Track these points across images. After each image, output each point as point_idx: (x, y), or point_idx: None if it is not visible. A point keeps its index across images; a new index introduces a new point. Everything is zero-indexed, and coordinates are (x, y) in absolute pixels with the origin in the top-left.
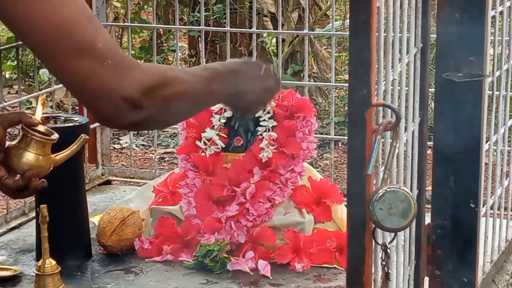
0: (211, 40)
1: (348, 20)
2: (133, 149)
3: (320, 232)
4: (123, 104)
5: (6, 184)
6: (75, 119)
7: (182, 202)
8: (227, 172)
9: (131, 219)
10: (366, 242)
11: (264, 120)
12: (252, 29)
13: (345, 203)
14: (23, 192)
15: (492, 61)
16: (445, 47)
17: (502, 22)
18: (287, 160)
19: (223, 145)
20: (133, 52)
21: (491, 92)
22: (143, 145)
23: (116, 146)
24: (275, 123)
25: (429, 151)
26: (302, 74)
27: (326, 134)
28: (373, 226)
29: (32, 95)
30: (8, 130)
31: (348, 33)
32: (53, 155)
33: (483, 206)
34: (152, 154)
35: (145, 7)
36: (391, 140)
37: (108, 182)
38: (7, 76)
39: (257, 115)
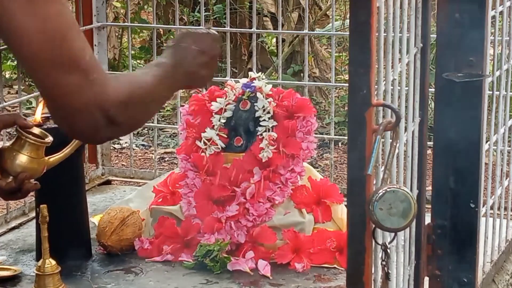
0: None
1: (348, 20)
2: (133, 149)
3: (320, 232)
4: (102, 120)
5: None
6: None
7: (182, 202)
8: (227, 172)
9: (131, 219)
10: (366, 242)
11: (264, 120)
12: (252, 29)
13: (345, 203)
14: (16, 194)
15: (492, 61)
16: (445, 47)
17: (502, 22)
18: (287, 160)
19: (223, 145)
20: (133, 52)
21: (491, 92)
22: (143, 145)
23: (116, 146)
24: (275, 123)
25: (429, 151)
26: (302, 74)
27: (326, 134)
28: (373, 226)
29: (32, 95)
30: (8, 130)
31: (348, 33)
32: (46, 158)
33: (483, 206)
34: (152, 154)
35: (145, 7)
36: (391, 140)
37: (108, 182)
38: (7, 76)
39: (257, 115)
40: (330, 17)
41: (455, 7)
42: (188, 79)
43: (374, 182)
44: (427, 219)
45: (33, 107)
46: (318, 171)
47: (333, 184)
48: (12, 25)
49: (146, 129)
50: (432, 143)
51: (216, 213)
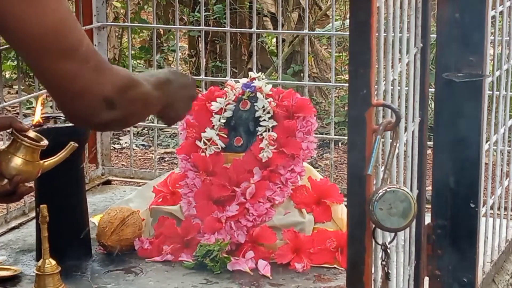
0: (211, 40)
1: (348, 20)
2: (133, 149)
3: (320, 232)
4: (100, 104)
5: None
6: None
7: (182, 202)
8: (227, 172)
9: (131, 219)
10: (366, 242)
11: (264, 120)
12: (252, 29)
13: (345, 203)
14: (11, 197)
15: (492, 61)
16: (445, 47)
17: (502, 22)
18: (287, 160)
19: (223, 145)
20: (133, 52)
21: (491, 92)
22: (143, 145)
23: (116, 146)
24: (275, 123)
25: (429, 151)
26: (302, 74)
27: (326, 134)
28: (373, 226)
29: (32, 95)
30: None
31: (348, 33)
32: (41, 161)
33: (483, 206)
34: (152, 154)
35: (145, 7)
36: (391, 140)
37: (108, 182)
38: (7, 76)
39: (257, 115)
40: (330, 17)
41: (455, 7)
42: (170, 101)
43: (374, 182)
44: (427, 219)
45: (33, 107)
46: (318, 171)
47: (333, 184)
48: (11, 17)
49: (146, 129)
50: (432, 143)
51: (216, 213)
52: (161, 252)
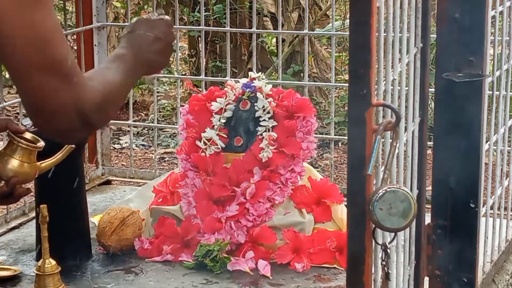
0: (211, 40)
1: (348, 20)
2: (133, 149)
3: (320, 232)
4: (78, 121)
5: None
6: None
7: (182, 202)
8: (227, 172)
9: (131, 219)
10: (366, 242)
11: (264, 120)
12: (252, 29)
13: (345, 203)
14: (8, 198)
15: (492, 61)
16: (445, 47)
17: (502, 22)
18: (287, 160)
19: (223, 145)
20: None
21: (491, 92)
22: (143, 145)
23: (116, 146)
24: (275, 123)
25: (429, 151)
26: (302, 74)
27: (326, 134)
28: (373, 226)
29: None
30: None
31: (348, 33)
32: (38, 163)
33: (483, 206)
34: (152, 154)
35: (145, 7)
36: (391, 140)
37: (108, 182)
38: (7, 76)
39: (257, 115)
40: (330, 17)
41: (455, 7)
42: (146, 67)
43: (374, 182)
44: (427, 219)
45: None
46: (318, 171)
47: (333, 184)
48: (3, 30)
49: (146, 129)
50: (432, 143)
51: (216, 213)
52: (161, 252)
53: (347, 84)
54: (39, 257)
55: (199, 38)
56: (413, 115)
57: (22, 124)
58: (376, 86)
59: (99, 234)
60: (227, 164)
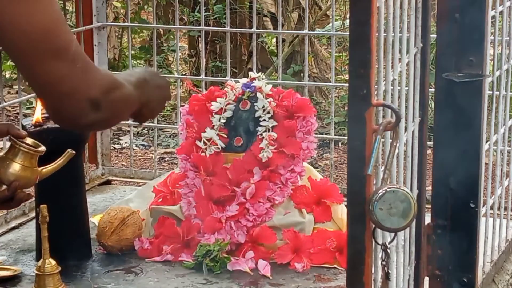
0: (211, 40)
1: (348, 20)
2: (133, 149)
3: (320, 232)
4: (87, 105)
5: None
6: None
7: (182, 202)
8: (227, 172)
9: (131, 219)
10: (366, 242)
11: (264, 120)
12: (252, 29)
13: (345, 203)
14: (9, 203)
15: (492, 61)
16: (445, 47)
17: (502, 22)
18: (287, 160)
19: (223, 145)
20: (133, 52)
21: (491, 92)
22: (143, 145)
23: (116, 146)
24: (275, 123)
25: (429, 151)
26: (302, 74)
27: (326, 134)
28: (373, 226)
29: (32, 95)
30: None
31: (348, 33)
32: (39, 168)
33: (483, 206)
34: (152, 154)
35: (145, 7)
36: (391, 140)
37: (108, 182)
38: (7, 76)
39: (257, 115)
40: (330, 17)
41: (455, 7)
42: (147, 102)
43: (374, 182)
44: (427, 219)
45: (33, 107)
46: (318, 171)
47: (333, 184)
48: (3, 16)
49: (146, 129)
50: (432, 143)
51: (216, 213)
52: (161, 252)
53: (347, 84)
54: (39, 257)
55: (199, 38)
56: (413, 115)
57: (22, 124)
58: (376, 86)
59: (99, 234)
60: (227, 164)
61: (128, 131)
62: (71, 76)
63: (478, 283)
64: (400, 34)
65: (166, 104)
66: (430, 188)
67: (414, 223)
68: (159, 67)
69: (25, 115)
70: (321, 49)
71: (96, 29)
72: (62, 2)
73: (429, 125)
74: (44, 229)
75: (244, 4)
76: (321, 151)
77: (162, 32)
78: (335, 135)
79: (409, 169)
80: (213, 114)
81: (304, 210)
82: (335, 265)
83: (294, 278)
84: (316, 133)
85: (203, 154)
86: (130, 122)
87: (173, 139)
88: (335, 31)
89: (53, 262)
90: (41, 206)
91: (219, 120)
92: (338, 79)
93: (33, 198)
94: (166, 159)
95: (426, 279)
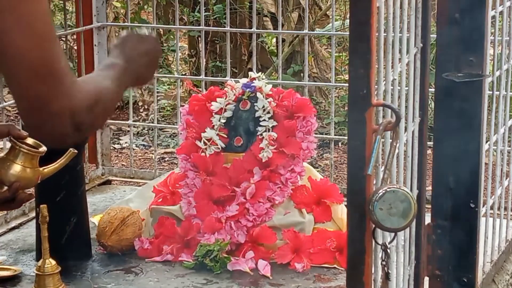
0: (211, 40)
1: (348, 20)
2: (133, 149)
3: (320, 232)
4: (70, 124)
5: None
6: None
7: (182, 202)
8: (227, 172)
9: (131, 219)
10: (366, 242)
11: (264, 120)
12: (252, 29)
13: (345, 203)
14: (10, 204)
15: (492, 61)
16: (445, 47)
17: (502, 22)
18: (287, 160)
19: (223, 145)
20: None
21: (491, 92)
22: (143, 145)
23: (116, 146)
24: (275, 123)
25: (429, 151)
26: (302, 74)
27: (326, 134)
28: (373, 226)
29: None
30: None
31: (348, 33)
32: (40, 168)
33: (483, 206)
34: (152, 154)
35: (145, 7)
36: (391, 140)
37: (108, 182)
38: None
39: (257, 115)
40: (330, 17)
41: (455, 7)
42: (135, 78)
43: (374, 182)
44: (427, 219)
45: None
46: (318, 171)
47: (333, 184)
48: None
49: (146, 129)
50: (432, 143)
51: (216, 213)
52: (161, 252)
53: (347, 84)
54: (39, 257)
55: (199, 38)
56: (413, 115)
57: (22, 124)
58: (376, 86)
59: (99, 234)
60: (227, 164)
61: (128, 131)
62: (58, 95)
63: (478, 283)
64: (400, 34)
65: (158, 61)
66: (430, 188)
67: (414, 223)
68: (159, 67)
69: None
70: (321, 49)
71: (96, 29)
72: (62, 2)
73: (429, 125)
74: (44, 229)
75: (244, 4)
76: (321, 151)
77: (162, 32)
78: (335, 135)
79: (409, 169)
80: (213, 114)
81: (304, 210)
82: (335, 265)
83: (294, 278)
84: (316, 133)
85: (203, 154)
86: (130, 122)
87: (173, 139)
88: (335, 31)
89: (53, 262)
90: (41, 206)
91: (219, 120)
92: (338, 79)
93: (33, 198)
94: (166, 159)
95: (426, 279)
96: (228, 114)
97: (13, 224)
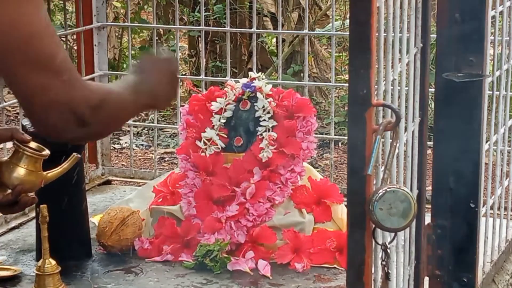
0: (211, 40)
1: (348, 20)
2: (133, 149)
3: (320, 232)
4: (72, 119)
5: None
6: None
7: (182, 202)
8: (227, 172)
9: (131, 219)
10: (366, 242)
11: (264, 120)
12: (252, 29)
13: (345, 203)
14: (13, 207)
15: (492, 61)
16: (445, 47)
17: (502, 22)
18: (287, 160)
19: (223, 145)
20: (133, 52)
21: (491, 92)
22: (143, 145)
23: (116, 146)
24: (275, 123)
25: (429, 151)
26: (302, 74)
27: (326, 134)
28: (373, 226)
29: None
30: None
31: (348, 33)
32: (44, 172)
33: (483, 206)
34: (152, 154)
35: (145, 7)
36: (391, 140)
37: (108, 182)
38: None
39: (257, 115)
40: (330, 17)
41: (455, 7)
42: (151, 94)
43: (374, 182)
44: (427, 219)
45: None
46: (318, 171)
47: (333, 184)
48: None
49: (146, 129)
50: (432, 143)
51: (216, 213)
52: (161, 252)
53: (347, 84)
54: (39, 257)
55: (199, 38)
56: (413, 115)
57: (22, 124)
58: (376, 86)
59: (99, 234)
60: (227, 164)
61: (128, 131)
62: (53, 88)
63: (478, 283)
64: (400, 34)
65: (177, 81)
66: (430, 188)
67: (414, 223)
68: None
69: (25, 115)
70: (321, 49)
71: (96, 29)
72: (62, 2)
73: (429, 125)
74: (44, 229)
75: (244, 4)
76: (321, 151)
77: (162, 32)
78: (335, 135)
79: (409, 169)
80: (213, 114)
81: (304, 210)
82: (335, 265)
83: (294, 278)
84: (316, 133)
85: (203, 154)
86: (130, 122)
87: (173, 139)
88: (335, 31)
89: (53, 262)
90: (41, 206)
91: (219, 120)
92: (338, 79)
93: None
94: (166, 159)
95: (426, 279)
96: (228, 114)
97: (13, 224)
